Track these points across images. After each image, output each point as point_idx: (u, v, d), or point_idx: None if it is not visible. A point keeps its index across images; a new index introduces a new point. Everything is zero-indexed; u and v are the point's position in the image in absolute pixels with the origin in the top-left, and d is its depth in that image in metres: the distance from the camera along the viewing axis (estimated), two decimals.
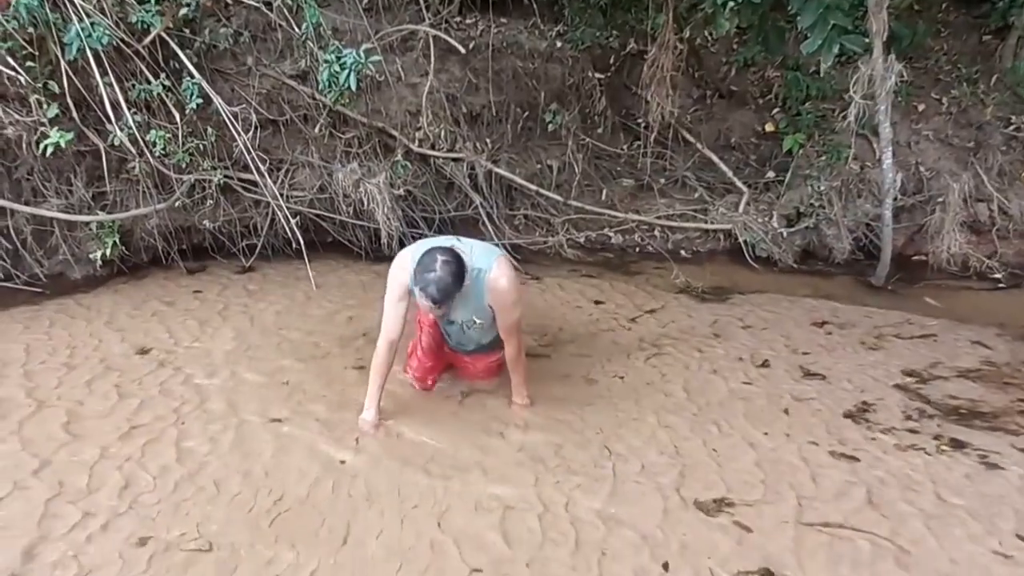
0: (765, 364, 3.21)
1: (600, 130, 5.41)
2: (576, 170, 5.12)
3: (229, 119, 3.96)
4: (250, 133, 4.07)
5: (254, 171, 4.07)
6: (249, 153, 4.02)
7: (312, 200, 4.39)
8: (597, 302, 3.95)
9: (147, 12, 3.76)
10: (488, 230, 4.71)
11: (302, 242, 4.10)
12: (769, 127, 5.42)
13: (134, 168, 3.86)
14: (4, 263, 3.70)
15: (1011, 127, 4.92)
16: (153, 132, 3.81)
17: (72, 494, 2.15)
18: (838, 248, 4.70)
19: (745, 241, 4.75)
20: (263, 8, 4.22)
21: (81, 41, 3.51)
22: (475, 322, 2.52)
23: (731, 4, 4.26)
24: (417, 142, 4.59)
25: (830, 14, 3.66)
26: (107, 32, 3.58)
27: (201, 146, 4.01)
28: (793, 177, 4.98)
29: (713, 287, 4.28)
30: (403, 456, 2.41)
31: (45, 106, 3.60)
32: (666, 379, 3.05)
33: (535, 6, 5.28)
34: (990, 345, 3.47)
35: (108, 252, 3.86)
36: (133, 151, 3.80)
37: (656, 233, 5.07)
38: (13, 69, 3.48)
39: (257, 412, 2.65)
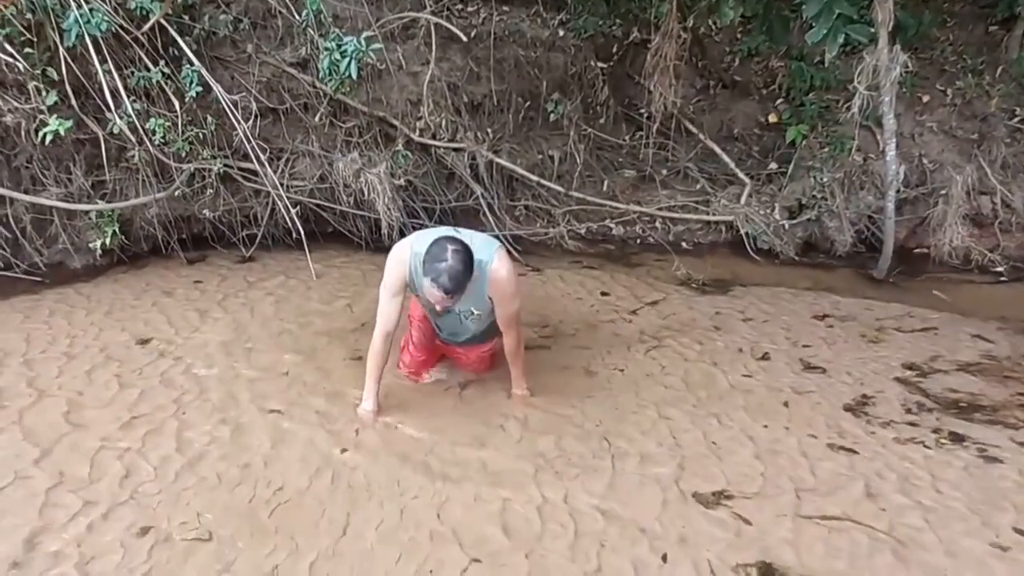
0: (765, 357, 3.21)
1: (602, 120, 5.37)
2: (577, 161, 5.09)
3: (229, 107, 3.93)
4: (250, 122, 4.04)
5: (254, 160, 4.05)
6: (249, 142, 4.00)
7: (312, 190, 4.37)
8: (602, 293, 3.94)
9: None
10: (489, 221, 4.69)
11: (302, 232, 4.09)
12: (772, 118, 5.38)
13: (133, 157, 3.84)
14: (4, 252, 3.70)
15: (1016, 119, 4.88)
16: (153, 120, 3.79)
17: (73, 483, 2.16)
18: (840, 240, 4.68)
19: (747, 233, 4.73)
20: None
21: (80, 27, 3.48)
22: (473, 312, 2.52)
23: None
24: (418, 132, 4.56)
25: (835, 3, 3.61)
26: (106, 18, 3.55)
27: (201, 135, 3.98)
28: (796, 168, 4.96)
29: (714, 279, 4.27)
30: (403, 447, 2.42)
31: (44, 93, 3.57)
32: (666, 371, 3.05)
33: None
34: (991, 339, 3.47)
35: (108, 241, 3.85)
36: (132, 139, 3.78)
37: (657, 224, 5.05)
38: (11, 56, 3.45)
39: (257, 403, 2.66)
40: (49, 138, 3.52)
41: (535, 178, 4.92)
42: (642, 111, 5.32)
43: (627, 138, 5.46)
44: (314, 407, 2.64)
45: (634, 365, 3.09)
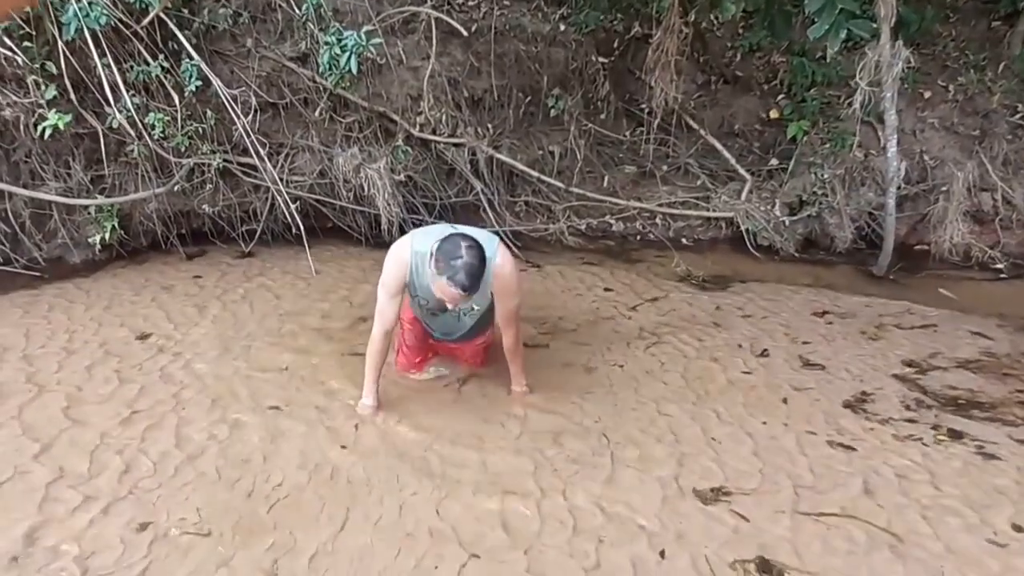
0: (765, 353, 3.21)
1: (603, 116, 5.36)
2: (578, 156, 5.08)
3: (228, 102, 3.92)
4: (249, 116, 4.03)
5: (254, 155, 4.04)
6: (248, 137, 3.99)
7: (312, 185, 4.36)
8: (604, 289, 3.94)
9: None
10: (489, 216, 4.69)
11: (302, 227, 4.09)
12: (774, 114, 5.37)
13: (133, 151, 3.83)
14: (3, 247, 3.70)
15: (1017, 115, 4.86)
16: (152, 115, 3.78)
17: (73, 478, 2.16)
18: (840, 237, 4.67)
19: (747, 229, 4.72)
20: None
21: (79, 21, 3.47)
22: (473, 309, 2.52)
23: None
24: (418, 127, 4.55)
25: None
26: (105, 12, 3.54)
27: (200, 129, 3.98)
28: (797, 165, 4.94)
29: (714, 276, 4.27)
30: (402, 443, 2.42)
31: (43, 87, 3.57)
32: (665, 368, 3.05)
33: None
34: (990, 336, 3.47)
35: (107, 236, 3.84)
36: (132, 134, 3.78)
37: (658, 221, 5.04)
38: (10, 49, 3.44)
39: (256, 399, 2.66)
40: (48, 132, 3.51)
41: (535, 174, 4.91)
42: (643, 106, 5.31)
43: (628, 134, 5.44)
44: (313, 403, 2.64)
45: (634, 362, 3.09)
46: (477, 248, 2.18)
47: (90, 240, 3.86)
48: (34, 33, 3.52)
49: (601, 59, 5.35)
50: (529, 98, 5.05)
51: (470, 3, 5.13)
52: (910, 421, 2.67)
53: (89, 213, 3.86)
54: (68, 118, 3.54)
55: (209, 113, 4.01)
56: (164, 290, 3.64)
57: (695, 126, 5.36)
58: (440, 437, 2.45)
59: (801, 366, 3.11)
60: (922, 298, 4.00)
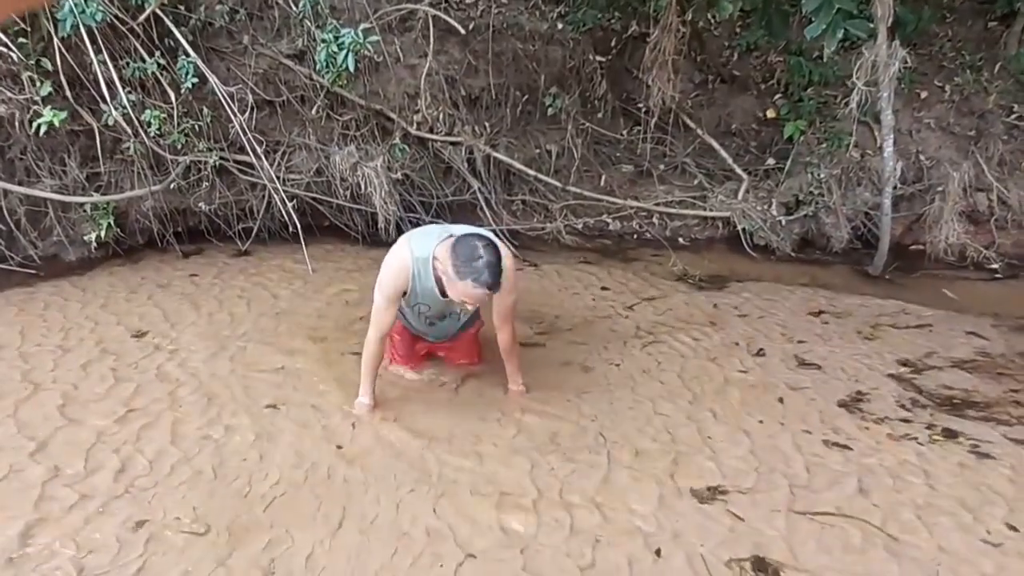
0: (761, 353, 3.22)
1: (600, 115, 5.36)
2: (575, 155, 5.08)
3: (225, 99, 3.91)
4: (246, 114, 4.02)
5: (250, 153, 4.03)
6: (245, 134, 3.98)
7: (309, 183, 4.35)
8: (601, 288, 3.94)
9: None
10: (486, 215, 4.68)
11: (299, 226, 4.08)
12: (770, 113, 5.38)
13: (129, 149, 3.82)
14: None
15: (1013, 116, 4.88)
16: (148, 112, 3.77)
17: (69, 477, 2.15)
18: (836, 237, 4.69)
19: (743, 229, 4.73)
20: None
21: (75, 17, 3.45)
22: (468, 308, 2.52)
23: None
24: (415, 125, 4.55)
25: None
26: (101, 8, 3.52)
27: (196, 127, 3.96)
28: (793, 164, 4.96)
29: (710, 275, 4.28)
30: (399, 442, 2.42)
31: (38, 84, 3.55)
32: (662, 367, 3.05)
33: None
34: (985, 335, 3.48)
35: (103, 234, 3.83)
36: (128, 131, 3.76)
37: (654, 220, 5.05)
38: (5, 46, 3.42)
39: (253, 397, 2.65)
40: (43, 129, 3.50)
41: (532, 173, 4.90)
42: (640, 105, 5.31)
43: (625, 133, 5.45)
44: (310, 401, 2.64)
45: (630, 361, 3.09)
46: (492, 246, 2.20)
47: (86, 238, 3.85)
48: (29, 29, 3.50)
49: (598, 58, 5.35)
50: (526, 97, 5.04)
51: (467, 1, 5.12)
52: (905, 420, 2.68)
53: (85, 211, 3.85)
54: (64, 115, 3.52)
55: (205, 110, 3.99)
56: (160, 288, 3.63)
57: (692, 125, 5.36)
58: (437, 436, 2.45)
59: (797, 365, 3.12)
60: (918, 298, 4.02)
